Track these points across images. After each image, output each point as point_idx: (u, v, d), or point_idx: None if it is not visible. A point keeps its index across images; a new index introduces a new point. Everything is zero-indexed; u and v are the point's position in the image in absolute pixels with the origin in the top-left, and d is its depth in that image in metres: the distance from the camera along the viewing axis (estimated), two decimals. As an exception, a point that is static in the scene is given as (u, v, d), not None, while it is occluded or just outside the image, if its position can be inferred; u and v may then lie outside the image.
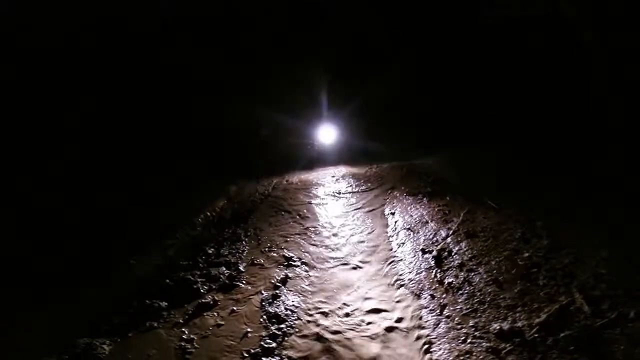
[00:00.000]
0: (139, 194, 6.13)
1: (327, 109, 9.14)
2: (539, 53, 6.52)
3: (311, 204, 5.86)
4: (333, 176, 7.24)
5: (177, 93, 8.17)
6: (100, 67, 7.32)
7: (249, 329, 3.18)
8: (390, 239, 4.43)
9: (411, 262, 3.83)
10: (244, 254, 4.44)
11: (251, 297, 3.64)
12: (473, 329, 2.78)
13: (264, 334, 3.11)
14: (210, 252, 4.53)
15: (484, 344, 2.64)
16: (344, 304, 3.40)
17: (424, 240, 4.13)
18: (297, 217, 5.43)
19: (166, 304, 3.57)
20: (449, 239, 3.95)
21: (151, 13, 7.68)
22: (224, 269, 4.13)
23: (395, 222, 4.76)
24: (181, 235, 4.98)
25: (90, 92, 7.19)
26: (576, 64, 5.72)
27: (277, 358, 2.84)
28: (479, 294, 3.09)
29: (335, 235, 4.76)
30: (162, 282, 3.92)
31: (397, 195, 5.56)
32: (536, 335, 2.56)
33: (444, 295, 3.22)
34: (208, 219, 5.52)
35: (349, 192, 6.18)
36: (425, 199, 5.13)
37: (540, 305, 2.79)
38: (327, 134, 9.15)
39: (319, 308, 3.38)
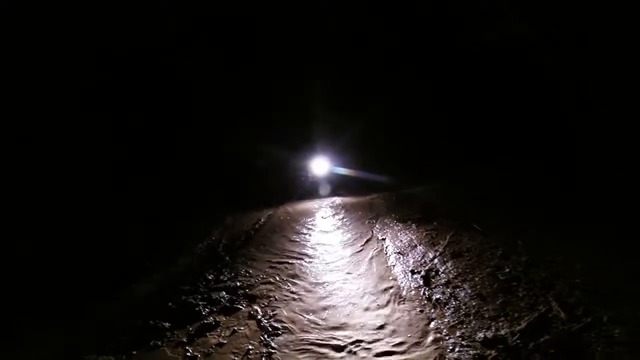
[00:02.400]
0: (139, 222, 6.28)
1: (320, 141, 9.45)
2: (513, 76, 6.91)
3: (305, 234, 6.03)
4: (327, 206, 7.45)
5: (175, 123, 8.44)
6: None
7: (250, 347, 3.25)
8: (383, 262, 4.56)
9: (402, 283, 3.96)
10: (243, 280, 4.53)
11: (251, 318, 3.72)
12: (460, 339, 2.89)
13: (264, 350, 3.18)
14: (210, 277, 4.62)
15: (471, 351, 2.74)
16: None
17: (413, 262, 4.27)
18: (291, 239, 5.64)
19: (169, 324, 3.63)
20: (436, 260, 4.11)
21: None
22: (224, 293, 4.21)
23: (387, 247, 4.90)
24: (182, 262, 5.10)
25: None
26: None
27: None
28: (464, 307, 3.21)
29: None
30: (165, 305, 3.99)
31: (388, 222, 5.74)
32: (518, 341, 2.66)
33: (432, 310, 3.34)
34: (205, 247, 5.66)
35: (342, 219, 6.37)
36: (414, 224, 5.31)
37: (520, 314, 2.91)
38: (320, 165, 9.42)
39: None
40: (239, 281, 4.48)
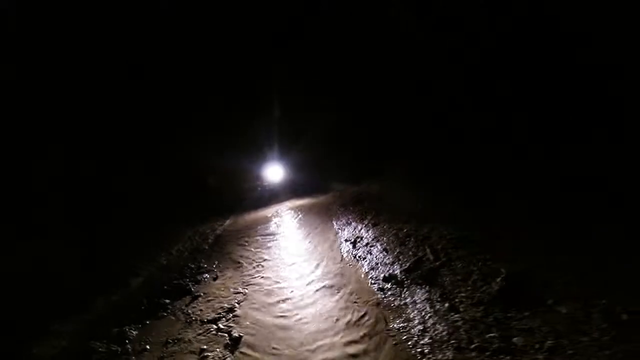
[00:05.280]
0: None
1: (273, 151, 9.99)
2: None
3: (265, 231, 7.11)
4: (283, 209, 8.56)
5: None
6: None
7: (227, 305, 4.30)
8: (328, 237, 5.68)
9: (338, 247, 5.09)
10: (219, 265, 5.57)
11: (226, 287, 4.76)
12: (371, 279, 4.04)
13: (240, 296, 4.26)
14: (192, 266, 5.66)
15: (376, 286, 3.88)
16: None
17: (347, 234, 5.42)
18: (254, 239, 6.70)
19: (169, 300, 4.61)
20: (362, 230, 5.27)
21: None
22: (206, 275, 5.24)
23: (332, 227, 6.02)
24: (165, 259, 6.11)
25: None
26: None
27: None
28: (375, 259, 4.37)
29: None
30: (161, 288, 4.99)
31: (334, 209, 6.87)
32: (403, 277, 3.81)
33: (355, 263, 4.48)
34: (186, 248, 6.74)
35: (299, 217, 7.46)
36: (351, 208, 6.47)
37: (408, 258, 4.08)
38: (274, 173, 9.84)
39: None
40: (216, 265, 5.54)
